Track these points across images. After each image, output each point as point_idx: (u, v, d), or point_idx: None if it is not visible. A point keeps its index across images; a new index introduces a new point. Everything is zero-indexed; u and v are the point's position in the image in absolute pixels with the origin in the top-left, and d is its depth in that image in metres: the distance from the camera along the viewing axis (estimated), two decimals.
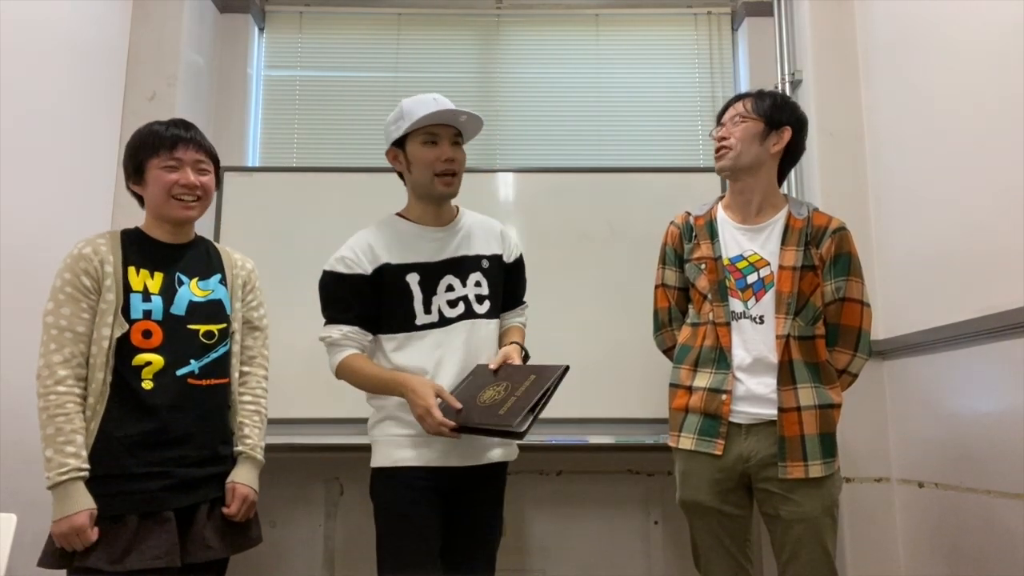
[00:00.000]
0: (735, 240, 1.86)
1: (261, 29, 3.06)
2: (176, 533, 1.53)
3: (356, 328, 1.74)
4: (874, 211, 2.49)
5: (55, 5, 2.20)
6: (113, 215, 2.48)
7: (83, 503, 1.48)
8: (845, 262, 1.81)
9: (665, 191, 2.56)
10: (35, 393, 1.56)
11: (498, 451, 1.77)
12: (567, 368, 1.67)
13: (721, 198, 1.96)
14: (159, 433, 1.57)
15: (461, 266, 1.78)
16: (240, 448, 1.71)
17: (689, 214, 1.96)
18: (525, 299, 1.97)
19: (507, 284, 1.88)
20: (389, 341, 1.75)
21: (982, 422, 1.91)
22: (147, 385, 1.57)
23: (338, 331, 1.74)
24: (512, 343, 1.81)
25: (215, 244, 1.81)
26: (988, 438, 1.88)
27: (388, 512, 1.71)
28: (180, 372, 1.61)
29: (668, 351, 2.00)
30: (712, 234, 1.88)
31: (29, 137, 2.07)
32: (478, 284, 1.79)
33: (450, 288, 1.76)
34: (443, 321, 1.75)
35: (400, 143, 1.77)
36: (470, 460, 1.72)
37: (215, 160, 1.73)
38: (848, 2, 2.66)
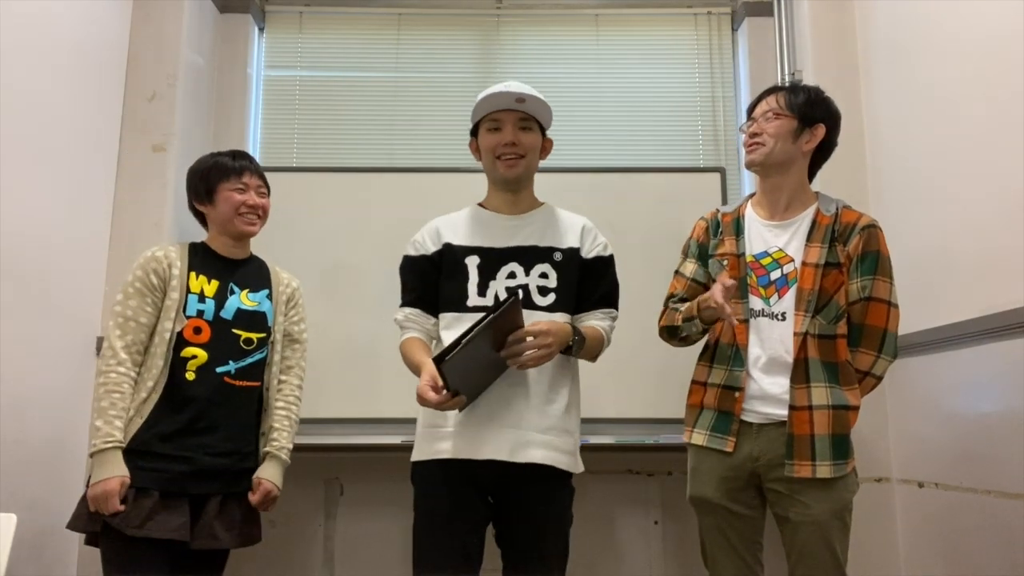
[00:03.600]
0: (760, 236, 1.84)
1: (261, 29, 3.05)
2: (188, 515, 1.70)
3: (417, 310, 1.80)
4: (874, 211, 2.48)
5: (55, 4, 2.20)
6: (113, 214, 2.48)
7: (119, 471, 1.67)
8: (872, 260, 1.76)
9: (665, 191, 2.55)
10: (95, 370, 1.79)
11: (538, 452, 1.66)
12: (512, 298, 1.56)
13: (752, 196, 1.93)
14: (192, 421, 1.75)
15: (527, 255, 1.77)
16: (268, 448, 1.87)
17: (719, 210, 1.95)
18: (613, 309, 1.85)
19: (586, 282, 1.80)
20: (442, 320, 1.78)
21: (982, 422, 1.91)
22: (190, 376, 1.77)
23: (401, 313, 1.82)
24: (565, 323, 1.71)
25: (267, 263, 2.02)
26: (988, 438, 1.88)
27: (418, 506, 1.73)
28: (219, 370, 1.80)
29: (664, 329, 1.93)
30: (738, 230, 1.86)
31: (28, 137, 2.07)
32: (544, 276, 1.75)
33: (512, 275, 1.75)
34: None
35: (476, 133, 1.85)
36: (502, 455, 1.64)
37: (268, 185, 1.98)
38: (848, 2, 2.66)
